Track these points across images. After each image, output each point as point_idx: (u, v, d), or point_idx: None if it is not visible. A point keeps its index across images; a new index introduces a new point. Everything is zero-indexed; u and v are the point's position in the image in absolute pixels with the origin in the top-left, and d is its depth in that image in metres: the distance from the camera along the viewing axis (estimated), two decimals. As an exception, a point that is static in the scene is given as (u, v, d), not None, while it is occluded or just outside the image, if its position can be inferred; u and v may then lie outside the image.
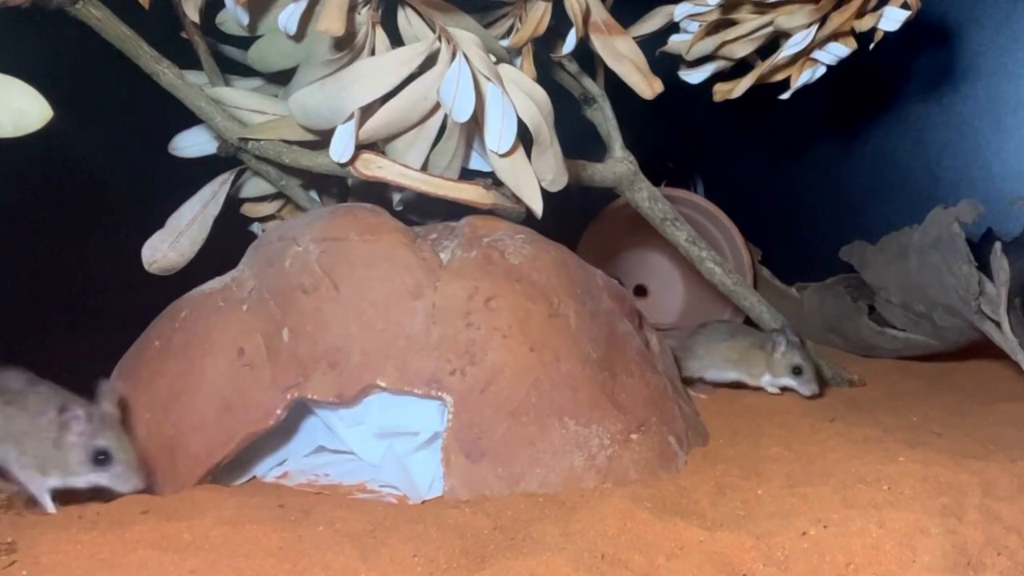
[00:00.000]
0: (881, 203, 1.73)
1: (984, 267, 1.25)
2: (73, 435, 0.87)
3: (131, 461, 0.88)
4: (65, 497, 0.91)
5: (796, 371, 1.28)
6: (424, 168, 1.08)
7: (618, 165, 1.28)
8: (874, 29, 1.20)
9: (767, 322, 1.36)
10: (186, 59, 1.15)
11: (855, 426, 1.14)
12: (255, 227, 1.29)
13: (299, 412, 1.02)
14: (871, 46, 1.21)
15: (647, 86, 1.21)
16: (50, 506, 0.89)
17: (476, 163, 1.13)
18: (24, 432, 0.88)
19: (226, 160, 1.18)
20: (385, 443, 1.00)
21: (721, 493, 0.92)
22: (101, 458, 0.87)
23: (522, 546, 0.79)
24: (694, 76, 1.31)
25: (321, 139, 1.09)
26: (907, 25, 1.19)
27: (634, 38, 1.22)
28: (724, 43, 1.24)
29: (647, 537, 0.80)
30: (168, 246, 1.15)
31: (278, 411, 0.94)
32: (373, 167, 1.06)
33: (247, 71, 1.20)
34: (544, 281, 1.02)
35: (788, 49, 1.20)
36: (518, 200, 1.06)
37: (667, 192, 1.49)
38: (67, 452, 0.87)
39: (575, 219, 1.69)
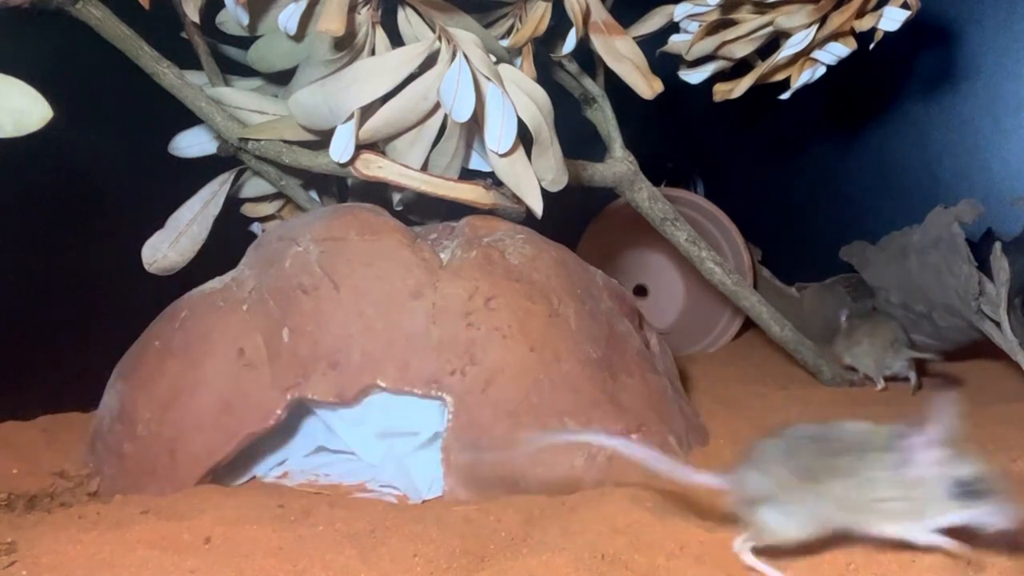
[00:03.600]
0: (881, 203, 1.73)
1: (984, 267, 1.24)
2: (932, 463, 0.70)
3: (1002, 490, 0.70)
4: (65, 497, 0.91)
5: None
6: (424, 168, 1.08)
7: (618, 165, 1.28)
8: (874, 29, 1.20)
9: (767, 322, 1.36)
10: (186, 59, 1.15)
11: (855, 426, 1.14)
12: (255, 227, 1.29)
13: (299, 412, 1.02)
14: (871, 46, 1.21)
15: (647, 86, 1.21)
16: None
17: (476, 163, 1.13)
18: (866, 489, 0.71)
19: (226, 160, 1.18)
20: (385, 443, 1.00)
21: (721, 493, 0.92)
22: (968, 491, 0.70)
23: (522, 546, 0.78)
24: (694, 76, 1.31)
25: (321, 139, 1.09)
26: (907, 25, 1.19)
27: (634, 38, 1.22)
28: (724, 43, 1.24)
29: (647, 537, 0.80)
30: (168, 246, 1.15)
31: (278, 411, 0.94)
32: (373, 167, 1.06)
33: (247, 71, 1.20)
34: (544, 281, 1.02)
35: (788, 49, 1.20)
36: (518, 200, 1.06)
37: (667, 192, 1.49)
38: (927, 488, 0.70)
39: (575, 219, 1.69)
